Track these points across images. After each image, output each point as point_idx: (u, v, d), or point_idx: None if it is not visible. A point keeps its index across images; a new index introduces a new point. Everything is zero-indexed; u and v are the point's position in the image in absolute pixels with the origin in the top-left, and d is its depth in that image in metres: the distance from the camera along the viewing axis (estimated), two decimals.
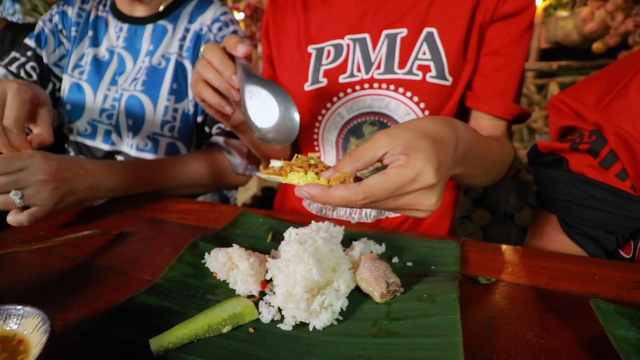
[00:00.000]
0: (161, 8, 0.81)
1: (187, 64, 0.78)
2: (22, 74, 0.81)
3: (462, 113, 0.65)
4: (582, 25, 2.38)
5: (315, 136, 0.69)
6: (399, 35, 0.60)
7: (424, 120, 0.35)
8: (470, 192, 2.01)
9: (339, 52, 0.64)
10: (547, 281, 0.40)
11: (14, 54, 0.82)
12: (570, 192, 0.48)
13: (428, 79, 0.60)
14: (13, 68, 0.81)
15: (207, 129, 0.80)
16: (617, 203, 0.45)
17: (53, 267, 0.43)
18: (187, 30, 0.79)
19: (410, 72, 0.60)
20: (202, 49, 0.46)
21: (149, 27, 0.80)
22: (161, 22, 0.80)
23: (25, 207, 0.50)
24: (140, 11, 0.81)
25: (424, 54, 0.59)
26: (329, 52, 0.64)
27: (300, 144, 0.74)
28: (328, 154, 0.70)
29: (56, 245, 0.47)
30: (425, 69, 0.59)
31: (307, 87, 0.65)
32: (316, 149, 0.71)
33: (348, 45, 0.63)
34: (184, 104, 0.79)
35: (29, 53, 0.82)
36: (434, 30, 0.59)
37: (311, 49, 0.65)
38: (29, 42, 0.83)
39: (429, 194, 0.33)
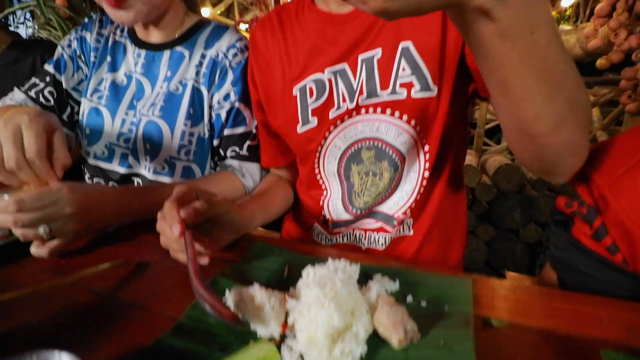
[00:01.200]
0: (177, 34, 0.83)
1: (204, 89, 0.80)
2: (41, 98, 0.83)
3: (452, 127, 0.63)
4: (585, 41, 2.41)
5: (316, 171, 0.71)
6: (375, 57, 0.60)
7: None
8: (475, 207, 2.02)
9: (321, 88, 0.64)
10: (557, 322, 0.41)
11: (34, 79, 0.85)
12: (568, 255, 0.50)
13: (413, 95, 0.59)
14: (32, 93, 0.83)
15: (221, 152, 0.82)
16: (608, 274, 0.47)
17: (76, 302, 0.45)
18: (203, 56, 0.81)
19: (394, 91, 0.60)
20: (165, 205, 0.47)
21: (167, 53, 0.82)
22: (178, 48, 0.82)
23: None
24: (156, 37, 0.83)
25: (404, 70, 0.59)
26: (310, 89, 0.65)
27: (302, 179, 0.76)
28: (332, 185, 0.71)
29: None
30: (408, 86, 0.59)
31: (300, 129, 0.67)
32: (319, 181, 0.72)
33: (330, 80, 0.64)
34: (200, 127, 0.81)
35: (48, 78, 0.84)
36: (409, 43, 0.58)
37: (295, 90, 0.66)
38: (48, 67, 0.86)
39: None
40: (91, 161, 0.85)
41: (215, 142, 0.82)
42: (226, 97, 0.79)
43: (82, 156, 0.87)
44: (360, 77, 0.61)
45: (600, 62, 2.17)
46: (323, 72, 0.64)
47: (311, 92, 0.65)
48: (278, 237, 0.94)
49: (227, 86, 0.79)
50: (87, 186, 0.58)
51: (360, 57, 0.61)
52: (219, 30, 0.83)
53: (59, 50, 0.88)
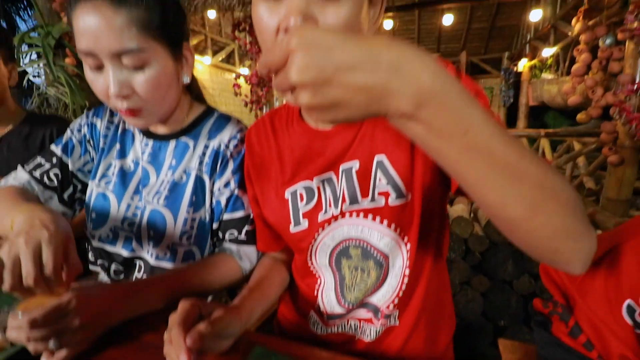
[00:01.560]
0: (183, 126, 0.90)
1: (206, 177, 0.86)
2: (45, 179, 0.87)
3: (430, 223, 0.67)
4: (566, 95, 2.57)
5: (309, 263, 0.76)
6: (353, 168, 0.67)
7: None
8: (468, 258, 2.05)
9: (310, 193, 0.70)
10: None
11: (39, 159, 0.89)
12: (552, 353, 0.54)
13: (390, 203, 0.64)
14: (37, 174, 0.87)
15: (220, 234, 0.87)
16: None
17: None
18: (206, 147, 0.87)
19: (373, 199, 0.65)
20: (171, 327, 0.50)
21: (172, 143, 0.89)
22: (183, 138, 0.89)
23: None
24: (163, 129, 0.89)
25: (380, 180, 0.64)
26: (301, 194, 0.71)
27: (297, 266, 0.81)
28: (325, 275, 0.76)
29: None
30: (385, 195, 0.64)
31: (292, 229, 0.72)
32: (312, 271, 0.76)
33: (318, 187, 0.70)
34: (201, 212, 0.86)
35: (54, 160, 0.89)
36: (383, 157, 0.64)
37: (287, 194, 0.72)
38: (56, 149, 0.90)
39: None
40: (95, 243, 0.88)
41: (215, 226, 0.87)
42: (227, 184, 0.85)
43: (87, 237, 0.91)
44: (342, 185, 0.68)
45: (580, 117, 2.31)
46: (312, 180, 0.70)
47: (301, 197, 0.71)
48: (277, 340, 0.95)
49: (228, 175, 0.85)
50: (94, 292, 0.61)
51: (341, 167, 0.68)
52: (222, 121, 0.90)
53: (68, 133, 0.92)
